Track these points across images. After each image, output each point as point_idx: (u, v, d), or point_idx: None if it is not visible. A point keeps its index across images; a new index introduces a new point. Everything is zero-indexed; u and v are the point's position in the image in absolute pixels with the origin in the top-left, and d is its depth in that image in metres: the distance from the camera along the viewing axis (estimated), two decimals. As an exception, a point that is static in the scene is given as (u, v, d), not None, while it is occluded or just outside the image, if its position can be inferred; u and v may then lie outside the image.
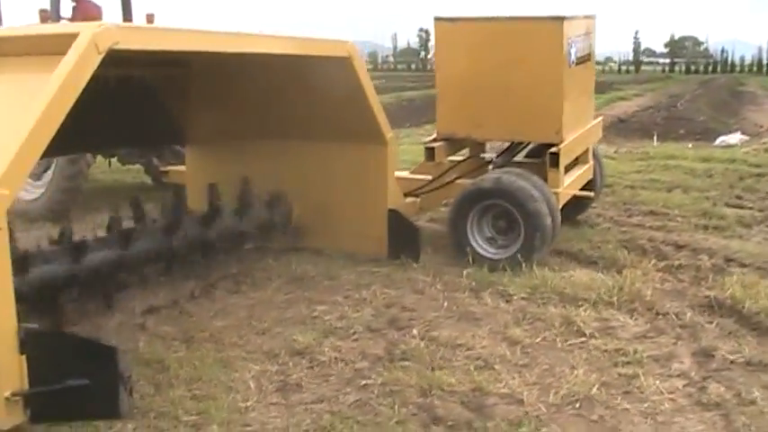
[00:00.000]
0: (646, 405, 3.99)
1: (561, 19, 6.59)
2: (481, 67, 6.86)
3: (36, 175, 8.58)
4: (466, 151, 7.60)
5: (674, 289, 5.77)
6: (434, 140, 7.20)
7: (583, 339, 4.81)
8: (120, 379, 3.78)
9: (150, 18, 9.63)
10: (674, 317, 5.17)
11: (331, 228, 6.68)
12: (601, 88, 29.36)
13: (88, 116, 5.96)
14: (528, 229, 6.15)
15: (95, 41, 3.94)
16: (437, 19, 7.08)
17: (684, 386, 4.21)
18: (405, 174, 7.62)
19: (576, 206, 7.61)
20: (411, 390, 4.12)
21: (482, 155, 7.58)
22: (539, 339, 4.82)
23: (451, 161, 7.45)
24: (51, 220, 7.87)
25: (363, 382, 4.24)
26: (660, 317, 5.19)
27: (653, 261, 6.36)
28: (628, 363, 4.48)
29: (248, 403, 4.03)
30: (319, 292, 5.71)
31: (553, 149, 6.56)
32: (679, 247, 6.87)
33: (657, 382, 4.24)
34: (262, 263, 6.38)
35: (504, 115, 6.82)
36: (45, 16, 8.94)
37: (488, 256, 6.32)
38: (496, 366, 4.43)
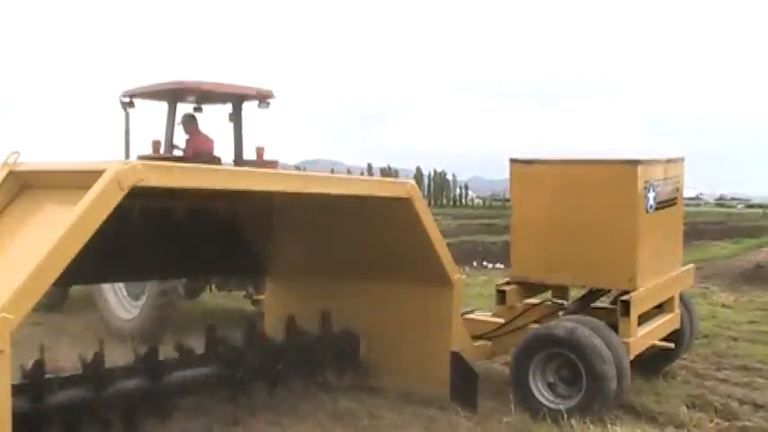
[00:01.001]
0: None
1: (636, 162, 6.50)
2: (556, 211, 6.83)
3: (135, 295, 9.08)
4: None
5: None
6: (507, 283, 7.10)
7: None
8: None
9: (260, 151, 10.16)
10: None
11: (396, 367, 6.68)
12: (753, 232, 28.11)
13: (161, 245, 6.43)
14: (590, 377, 5.91)
15: (118, 179, 4.22)
16: (513, 160, 7.12)
17: None
18: (478, 315, 7.57)
19: (660, 357, 7.29)
20: None
21: (555, 300, 7.42)
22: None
23: (528, 304, 7.30)
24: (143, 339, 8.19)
25: None
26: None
27: (716, 420, 5.96)
28: None
29: None
30: (353, 430, 5.65)
31: (624, 297, 6.35)
32: (757, 406, 6.44)
33: None
34: (313, 396, 6.41)
35: (576, 260, 6.72)
36: (157, 147, 9.63)
37: (547, 404, 6.09)
38: None
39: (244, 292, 10.10)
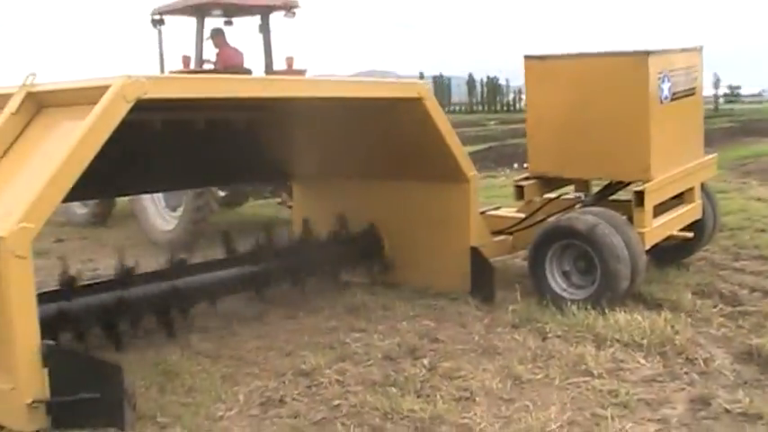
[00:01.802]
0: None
1: (646, 54, 6.47)
2: (570, 105, 6.85)
3: (173, 207, 9.45)
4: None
5: (723, 336, 5.51)
6: (526, 179, 7.24)
7: (585, 379, 4.75)
8: (124, 395, 4.20)
9: (290, 61, 10.35)
10: (701, 363, 4.97)
11: (417, 263, 6.93)
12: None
13: (185, 156, 6.71)
14: (604, 267, 6.03)
15: (123, 92, 4.40)
16: (527, 57, 7.14)
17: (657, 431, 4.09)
18: (498, 212, 7.75)
19: (680, 248, 7.38)
20: (375, 413, 4.30)
21: (574, 194, 7.53)
22: (540, 376, 4.82)
23: (546, 199, 7.43)
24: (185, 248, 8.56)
25: (337, 402, 4.46)
26: (684, 362, 5.00)
27: (720, 306, 6.08)
28: (614, 404, 4.39)
29: (227, 413, 4.39)
30: (364, 322, 5.98)
31: (638, 188, 6.44)
32: (766, 293, 6.49)
33: (630, 424, 4.14)
34: (332, 292, 6.71)
35: (592, 153, 6.77)
36: (187, 62, 9.87)
37: (560, 292, 6.26)
38: (478, 398, 4.50)
39: (279, 200, 10.42)
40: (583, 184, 7.49)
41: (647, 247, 6.43)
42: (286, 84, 6.52)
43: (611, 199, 7.16)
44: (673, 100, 6.83)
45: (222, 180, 8.49)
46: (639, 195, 6.40)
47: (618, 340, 5.33)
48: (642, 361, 5.02)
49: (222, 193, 11.03)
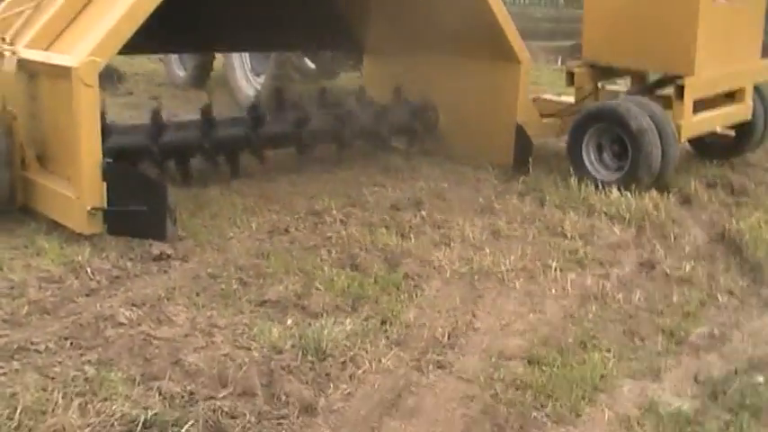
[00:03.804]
0: (533, 287, 4.53)
1: None
2: None
3: (258, 73, 10.21)
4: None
5: (709, 219, 5.90)
6: (578, 66, 7.60)
7: (557, 239, 5.32)
8: (167, 210, 5.00)
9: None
10: (671, 237, 5.43)
11: (467, 136, 7.40)
12: None
13: (257, 19, 7.37)
14: (635, 153, 6.36)
15: None
16: None
17: (586, 284, 4.62)
18: (550, 96, 8.18)
19: (728, 146, 7.69)
20: (356, 244, 5.02)
21: (619, 84, 7.85)
22: (518, 233, 5.41)
23: (595, 86, 7.72)
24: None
25: (329, 233, 5.21)
26: (656, 236, 5.47)
27: (723, 196, 6.43)
28: (569, 260, 4.96)
29: (238, 235, 5.19)
30: (390, 180, 6.65)
31: (680, 82, 6.71)
32: (777, 188, 6.76)
33: (573, 275, 4.71)
34: (374, 156, 7.34)
35: (641, 45, 7.02)
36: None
37: (595, 174, 6.63)
38: (453, 244, 5.15)
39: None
40: (639, 78, 7.74)
41: (683, 140, 6.77)
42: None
43: (659, 93, 7.42)
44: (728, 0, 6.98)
45: (296, 46, 9.07)
46: (680, 88, 6.69)
47: (605, 212, 5.82)
48: (616, 230, 5.52)
49: (312, 65, 11.78)
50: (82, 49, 5.02)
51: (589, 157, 6.76)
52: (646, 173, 6.39)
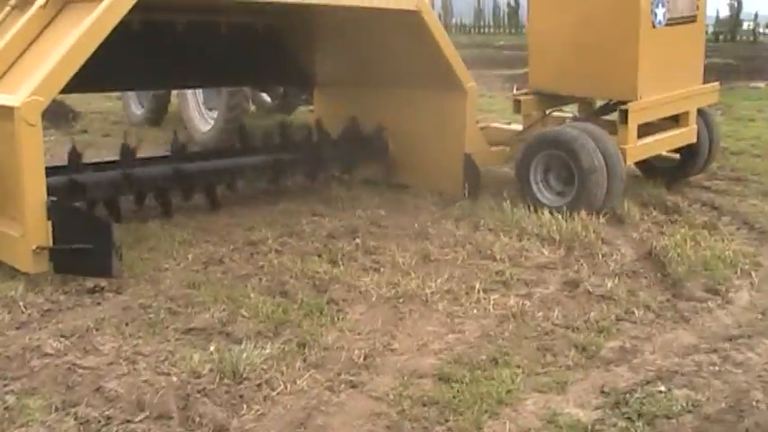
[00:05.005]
0: (455, 308, 4.66)
1: None
2: (566, 23, 7.29)
3: (210, 108, 10.37)
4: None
5: (640, 238, 6.08)
6: (525, 94, 7.78)
7: (485, 262, 5.47)
8: (113, 246, 5.04)
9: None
10: (599, 256, 5.59)
11: (417, 166, 7.59)
12: None
13: (207, 56, 7.56)
14: (580, 186, 6.50)
15: None
16: None
17: (508, 304, 4.75)
18: (497, 124, 8.39)
19: (674, 169, 7.92)
20: (287, 272, 5.15)
21: (562, 111, 8.05)
22: (449, 257, 5.55)
23: (542, 114, 7.90)
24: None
25: (262, 263, 5.35)
26: (585, 255, 5.62)
27: (655, 214, 6.63)
28: (494, 281, 5.11)
29: (173, 267, 5.29)
30: (329, 209, 6.80)
31: (624, 106, 6.91)
32: (713, 208, 6.97)
33: (496, 296, 4.85)
34: (320, 186, 7.52)
35: (585, 72, 7.22)
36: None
37: (543, 200, 6.76)
38: (382, 269, 5.29)
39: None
40: (586, 104, 7.97)
41: (628, 164, 6.96)
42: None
43: (604, 118, 7.66)
44: (668, 25, 7.19)
45: (249, 81, 9.28)
46: (624, 113, 6.90)
47: (537, 234, 5.99)
48: (545, 251, 5.68)
49: (268, 99, 11.97)
50: (25, 89, 5.10)
51: (537, 182, 6.87)
52: (593, 197, 6.50)
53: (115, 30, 5.27)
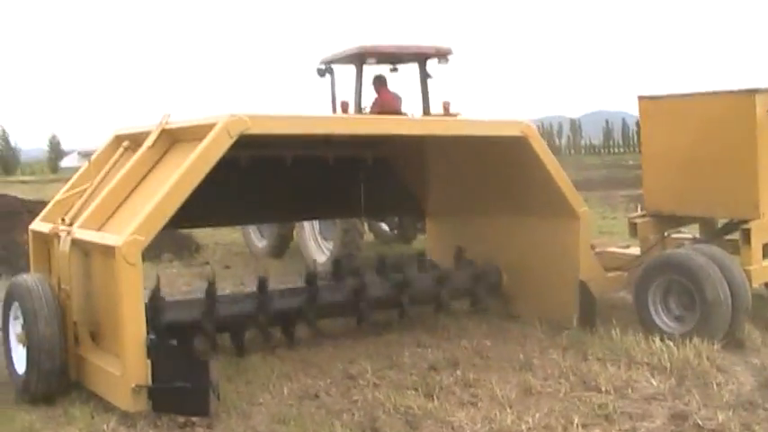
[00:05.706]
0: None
1: (753, 92, 6.62)
2: (681, 143, 7.12)
3: (326, 238, 10.55)
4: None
5: (760, 365, 5.68)
6: (641, 216, 7.56)
7: (589, 393, 5.19)
8: (210, 386, 4.99)
9: (446, 105, 11.25)
10: (713, 386, 5.22)
11: (530, 295, 7.33)
12: None
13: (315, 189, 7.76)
14: (703, 311, 6.16)
15: (227, 128, 5.37)
16: (640, 97, 7.48)
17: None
18: (614, 249, 8.12)
19: None
20: (380, 407, 5.04)
21: (681, 232, 7.74)
22: (551, 390, 5.31)
23: (661, 236, 7.57)
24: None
25: (357, 397, 5.27)
26: (696, 384, 5.27)
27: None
28: (597, 415, 4.82)
29: (267, 399, 5.30)
30: (435, 338, 6.72)
31: (745, 226, 6.63)
32: None
33: (596, 431, 4.57)
34: (432, 318, 7.33)
35: (702, 191, 7.00)
36: (345, 107, 10.99)
37: (663, 327, 6.41)
38: (480, 404, 5.09)
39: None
40: (707, 223, 7.63)
41: (754, 285, 6.58)
42: (375, 122, 7.37)
43: (727, 238, 7.26)
44: None
45: (360, 212, 9.20)
46: (746, 232, 6.60)
47: (647, 363, 5.68)
48: (654, 381, 5.35)
49: (387, 228, 12.13)
50: (128, 228, 5.27)
51: (656, 309, 6.52)
52: (716, 324, 6.11)
53: (224, 166, 5.43)
